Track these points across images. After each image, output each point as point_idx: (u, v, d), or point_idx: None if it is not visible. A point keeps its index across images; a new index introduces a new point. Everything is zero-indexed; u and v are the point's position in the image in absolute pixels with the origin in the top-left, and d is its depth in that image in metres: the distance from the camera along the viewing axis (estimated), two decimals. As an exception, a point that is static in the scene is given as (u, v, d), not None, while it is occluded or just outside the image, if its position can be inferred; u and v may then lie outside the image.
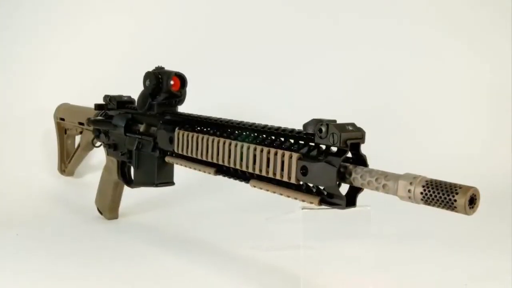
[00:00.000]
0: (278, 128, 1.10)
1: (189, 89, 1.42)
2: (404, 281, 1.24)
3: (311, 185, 1.05)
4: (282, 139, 1.09)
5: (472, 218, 0.95)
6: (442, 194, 0.84)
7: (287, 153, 1.06)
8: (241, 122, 1.17)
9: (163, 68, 1.42)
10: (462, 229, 1.59)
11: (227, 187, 1.76)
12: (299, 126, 1.07)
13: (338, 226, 1.09)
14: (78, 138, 1.97)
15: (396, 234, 1.58)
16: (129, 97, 1.67)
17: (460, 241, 1.53)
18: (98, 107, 1.72)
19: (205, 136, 1.22)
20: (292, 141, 1.07)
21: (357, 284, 1.13)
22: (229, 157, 1.16)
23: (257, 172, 1.11)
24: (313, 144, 1.04)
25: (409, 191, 0.88)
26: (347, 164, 1.00)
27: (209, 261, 1.37)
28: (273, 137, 1.11)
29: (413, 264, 1.37)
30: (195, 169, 1.27)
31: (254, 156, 1.12)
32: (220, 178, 1.23)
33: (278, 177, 1.08)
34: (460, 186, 0.83)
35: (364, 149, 1.01)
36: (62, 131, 2.00)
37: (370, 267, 1.15)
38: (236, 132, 1.17)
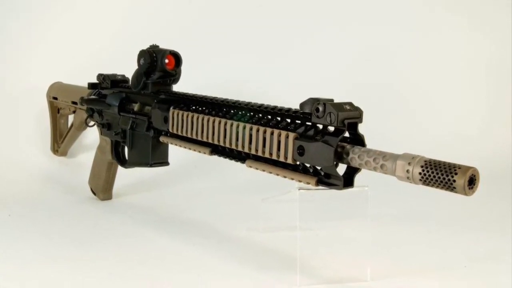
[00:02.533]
0: (275, 107, 1.08)
1: (184, 67, 1.41)
2: (403, 262, 1.22)
3: (308, 165, 1.03)
4: (279, 118, 1.07)
5: (472, 198, 0.95)
6: (441, 174, 0.82)
7: (283, 133, 1.04)
8: (237, 101, 1.15)
9: (157, 46, 1.40)
10: (461, 210, 1.58)
11: (222, 168, 1.75)
12: (296, 105, 1.04)
13: (336, 207, 1.07)
14: (71, 118, 1.94)
15: (395, 215, 1.57)
16: (123, 76, 1.64)
17: (459, 222, 1.51)
18: (91, 86, 1.70)
19: (200, 116, 1.20)
20: (288, 120, 1.06)
21: (355, 265, 1.12)
22: (225, 136, 1.14)
23: (253, 152, 1.09)
24: (310, 123, 1.02)
25: (407, 171, 0.86)
26: (345, 144, 0.98)
27: (204, 242, 1.35)
28: (270, 117, 1.09)
29: (411, 245, 1.33)
30: (190, 149, 1.26)
31: (250, 135, 1.10)
32: (216, 158, 1.22)
33: (274, 157, 1.06)
34: (460, 166, 0.82)
35: (362, 128, 1.01)
36: (55, 111, 1.98)
37: (367, 248, 1.14)
38: (232, 111, 1.15)
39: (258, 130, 1.08)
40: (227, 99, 1.18)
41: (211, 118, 1.18)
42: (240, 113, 1.13)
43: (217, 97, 1.20)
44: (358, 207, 1.09)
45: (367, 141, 0.99)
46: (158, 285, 1.14)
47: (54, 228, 1.46)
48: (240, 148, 1.11)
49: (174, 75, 1.42)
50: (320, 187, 1.02)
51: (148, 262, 1.21)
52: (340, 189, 0.99)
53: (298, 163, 1.04)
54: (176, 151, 1.47)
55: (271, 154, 1.07)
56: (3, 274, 1.18)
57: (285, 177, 1.05)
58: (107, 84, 1.64)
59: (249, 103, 1.13)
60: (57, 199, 1.74)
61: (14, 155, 2.02)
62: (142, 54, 1.38)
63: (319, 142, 0.98)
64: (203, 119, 1.20)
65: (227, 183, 1.89)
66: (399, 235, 1.41)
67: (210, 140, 1.18)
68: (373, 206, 1.09)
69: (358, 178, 1.01)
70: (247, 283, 1.12)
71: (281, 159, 1.05)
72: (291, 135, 1.03)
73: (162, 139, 1.36)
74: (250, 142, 1.10)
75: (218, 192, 1.83)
